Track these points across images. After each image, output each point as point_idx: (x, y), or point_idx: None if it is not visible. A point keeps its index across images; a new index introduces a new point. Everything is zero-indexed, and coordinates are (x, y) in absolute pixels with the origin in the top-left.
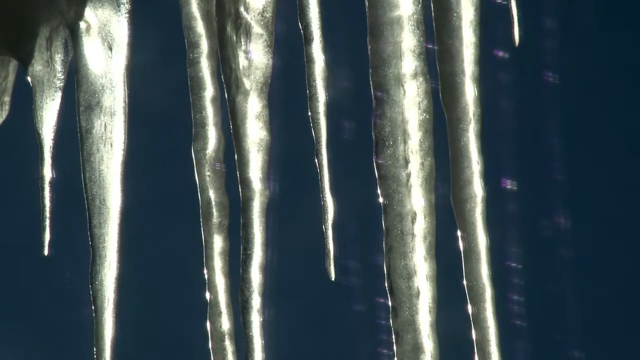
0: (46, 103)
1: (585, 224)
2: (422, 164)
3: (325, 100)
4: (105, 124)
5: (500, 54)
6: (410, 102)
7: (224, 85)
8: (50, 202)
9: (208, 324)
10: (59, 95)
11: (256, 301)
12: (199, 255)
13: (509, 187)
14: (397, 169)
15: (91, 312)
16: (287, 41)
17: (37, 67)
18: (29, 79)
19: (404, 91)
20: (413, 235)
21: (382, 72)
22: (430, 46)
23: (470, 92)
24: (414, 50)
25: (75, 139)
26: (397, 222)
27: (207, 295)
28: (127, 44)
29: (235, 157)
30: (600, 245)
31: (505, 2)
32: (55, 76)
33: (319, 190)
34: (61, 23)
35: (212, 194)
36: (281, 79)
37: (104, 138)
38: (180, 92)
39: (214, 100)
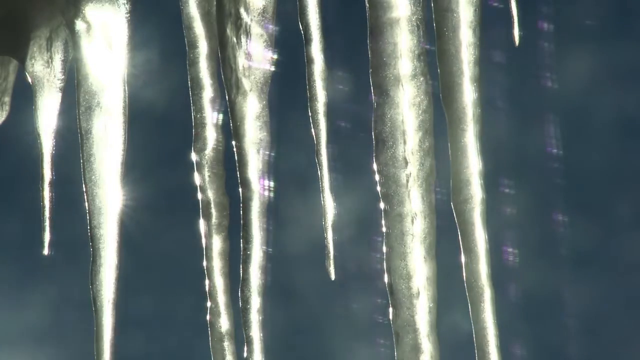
0: (46, 103)
1: (585, 224)
2: (422, 164)
3: (325, 101)
4: (105, 124)
5: (499, 54)
6: (410, 102)
7: (224, 86)
8: (50, 202)
9: (208, 324)
10: (59, 95)
11: (256, 301)
12: (199, 255)
13: (507, 190)
14: (397, 169)
15: (91, 312)
16: (287, 41)
17: (37, 67)
18: (29, 79)
19: (404, 91)
20: (413, 235)
21: (382, 72)
22: (429, 47)
23: (469, 92)
24: (414, 51)
25: (75, 139)
26: (397, 222)
27: (207, 295)
28: (127, 44)
29: (235, 157)
30: (600, 245)
31: (502, 6)
32: (55, 76)
33: (319, 190)
34: (61, 23)
35: (211, 194)
36: (281, 79)
37: (104, 138)
38: (180, 92)
39: (213, 100)
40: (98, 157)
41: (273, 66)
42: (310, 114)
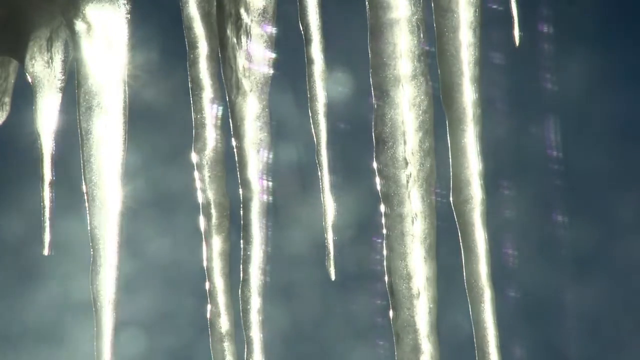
0: (46, 103)
1: (585, 225)
2: (422, 164)
3: (325, 101)
4: (105, 124)
5: (499, 55)
6: (410, 102)
7: (225, 86)
8: (50, 202)
9: (208, 325)
10: (59, 95)
11: (256, 301)
12: (199, 255)
13: (507, 191)
14: (397, 169)
15: (91, 312)
16: (287, 41)
17: (38, 67)
18: (29, 79)
19: (404, 92)
20: (413, 236)
21: (382, 72)
22: (428, 48)
23: (470, 93)
24: (414, 51)
25: (76, 139)
26: (397, 223)
27: (207, 295)
28: (127, 44)
29: (235, 157)
30: (600, 246)
31: (501, 8)
32: (55, 77)
33: (319, 190)
34: (61, 24)
35: (212, 194)
36: (281, 79)
37: (104, 139)
38: (180, 92)
39: (213, 101)
40: (98, 158)
41: (273, 67)
42: (310, 114)
